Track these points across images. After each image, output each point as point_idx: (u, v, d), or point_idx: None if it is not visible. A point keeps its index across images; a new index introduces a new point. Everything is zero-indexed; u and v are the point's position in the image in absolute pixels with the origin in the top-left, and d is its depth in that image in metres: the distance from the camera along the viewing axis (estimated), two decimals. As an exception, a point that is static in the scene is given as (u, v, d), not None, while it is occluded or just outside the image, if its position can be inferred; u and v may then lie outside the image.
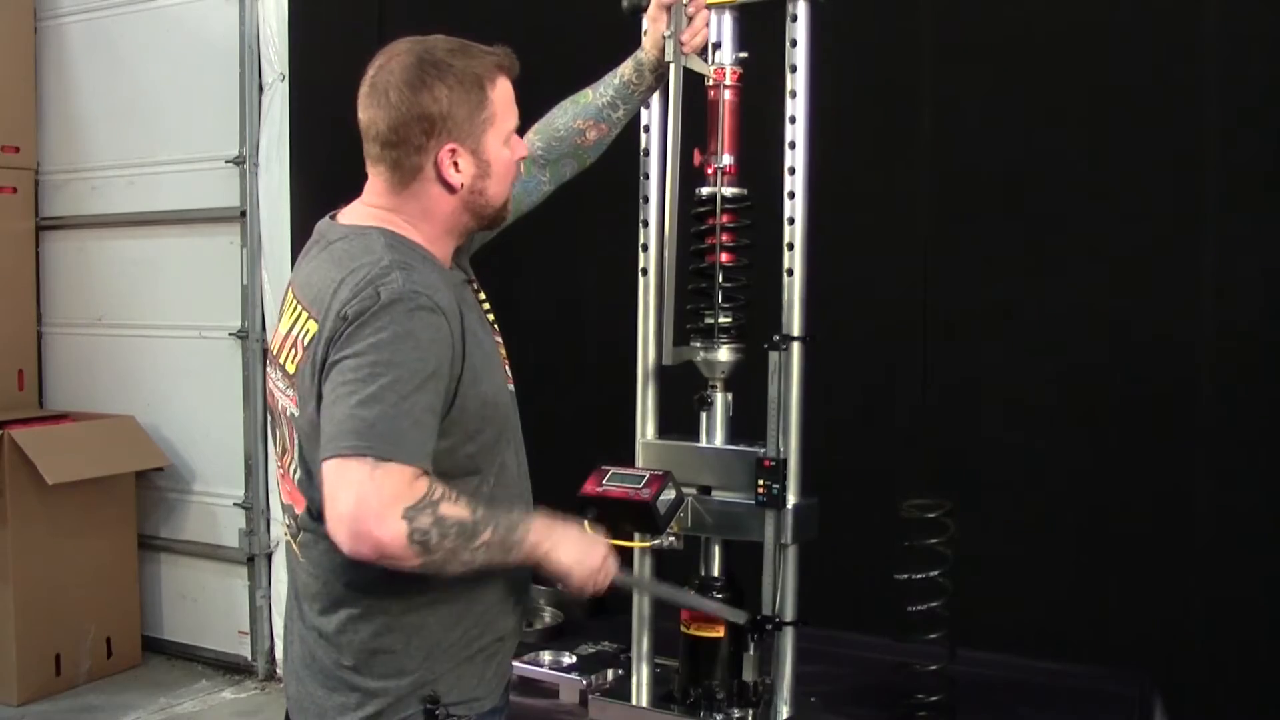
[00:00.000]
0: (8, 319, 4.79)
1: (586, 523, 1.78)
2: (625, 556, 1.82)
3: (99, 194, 4.83)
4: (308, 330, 1.59)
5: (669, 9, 1.96)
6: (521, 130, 1.99)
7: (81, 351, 4.94)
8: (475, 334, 1.63)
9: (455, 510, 1.51)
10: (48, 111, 4.93)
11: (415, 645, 1.62)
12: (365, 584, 1.59)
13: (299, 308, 1.64)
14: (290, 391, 1.62)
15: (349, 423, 1.46)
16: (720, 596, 2.08)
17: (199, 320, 4.57)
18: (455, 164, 1.63)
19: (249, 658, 4.51)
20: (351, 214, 1.70)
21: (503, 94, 1.67)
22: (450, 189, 1.65)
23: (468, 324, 1.61)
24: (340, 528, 1.46)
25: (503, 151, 1.68)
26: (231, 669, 4.56)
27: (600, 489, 1.94)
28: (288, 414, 1.64)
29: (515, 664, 2.24)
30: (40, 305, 4.99)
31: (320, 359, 1.55)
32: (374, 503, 1.44)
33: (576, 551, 1.66)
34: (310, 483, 1.61)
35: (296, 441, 1.63)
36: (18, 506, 4.15)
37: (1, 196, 4.76)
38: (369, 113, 1.64)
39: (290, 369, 1.62)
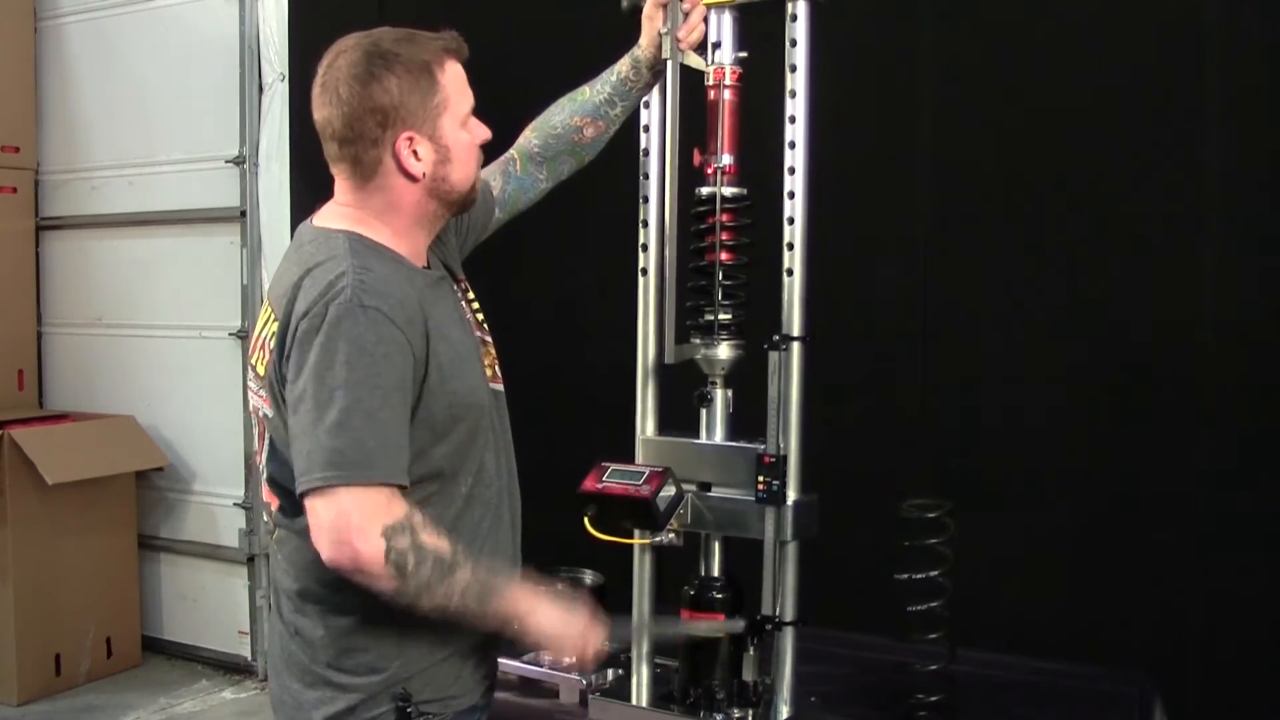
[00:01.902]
0: (8, 319, 4.79)
1: (587, 519, 1.77)
2: (625, 553, 1.82)
3: (99, 194, 4.83)
4: (272, 331, 1.61)
5: (665, 6, 1.96)
6: (518, 128, 2.00)
7: (81, 351, 4.94)
8: (445, 333, 1.62)
9: (435, 541, 1.53)
10: (48, 111, 4.93)
11: (387, 643, 1.62)
12: (336, 581, 1.59)
13: (268, 308, 1.66)
14: (262, 392, 1.64)
15: (320, 454, 1.49)
16: (719, 597, 2.08)
17: (199, 320, 4.57)
18: (414, 152, 1.62)
19: (249, 658, 4.51)
20: (324, 215, 1.70)
21: (453, 77, 1.65)
22: (412, 179, 1.64)
23: (434, 324, 1.60)
24: (322, 537, 1.50)
25: (461, 135, 1.66)
26: (231, 669, 4.56)
27: (600, 485, 1.95)
28: (260, 414, 1.66)
29: (516, 664, 2.24)
30: (40, 305, 4.99)
31: (276, 363, 1.57)
32: (355, 518, 1.48)
33: (556, 620, 1.66)
34: (281, 482, 1.63)
35: (268, 439, 1.65)
36: (18, 506, 4.15)
37: (1, 196, 4.76)
38: (323, 112, 1.63)
39: (260, 370, 1.64)
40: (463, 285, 1.81)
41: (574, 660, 1.71)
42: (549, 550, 1.85)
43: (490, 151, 1.91)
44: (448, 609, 1.55)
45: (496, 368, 1.78)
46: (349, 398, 1.49)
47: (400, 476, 1.52)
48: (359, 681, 1.62)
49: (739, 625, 2.02)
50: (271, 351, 1.60)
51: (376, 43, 1.62)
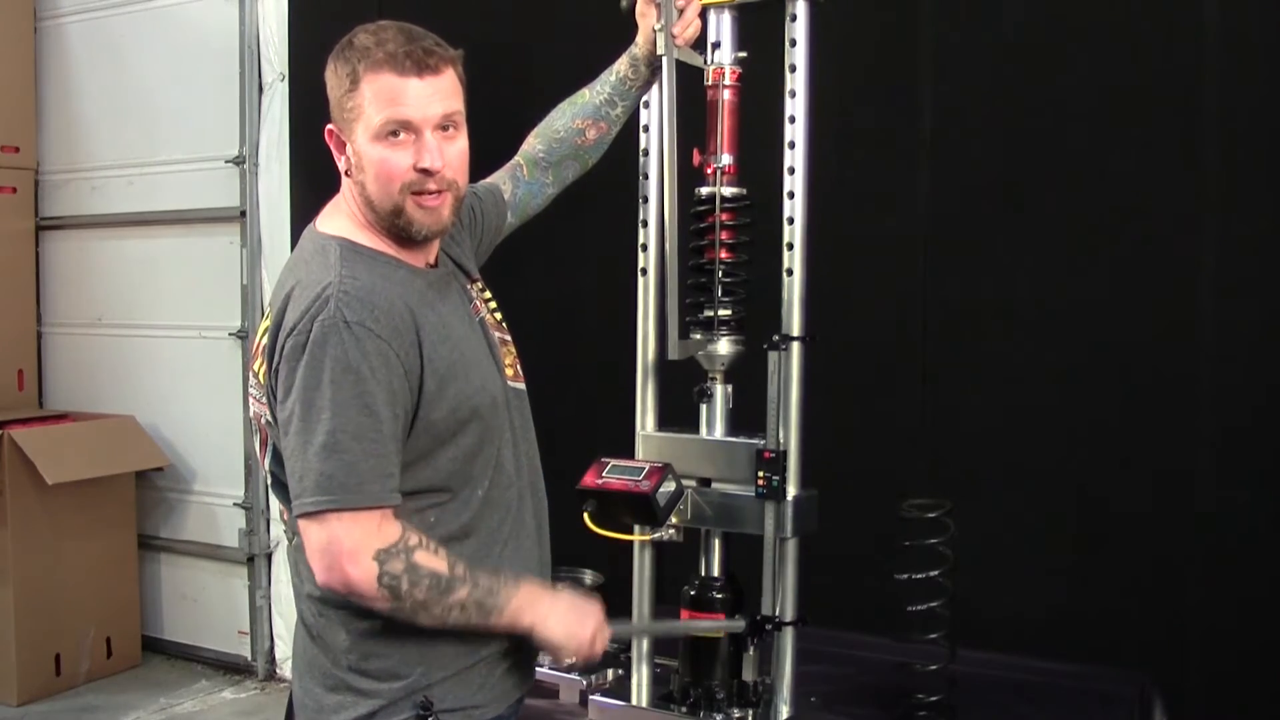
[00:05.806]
0: (8, 319, 4.79)
1: (587, 514, 1.76)
2: (625, 550, 1.82)
3: (99, 194, 4.83)
4: (268, 336, 1.61)
5: (658, 4, 1.95)
6: (521, 135, 1.99)
7: (81, 351, 4.94)
8: (446, 335, 1.60)
9: (430, 561, 1.53)
10: (48, 111, 4.93)
11: (408, 650, 1.61)
12: None
13: (269, 315, 1.64)
14: (264, 398, 1.63)
15: (310, 478, 1.49)
16: (719, 597, 2.07)
17: (199, 320, 4.57)
18: (341, 145, 1.62)
19: (249, 658, 4.51)
20: (326, 212, 1.69)
21: (381, 90, 1.55)
22: (346, 171, 1.64)
23: (429, 329, 1.57)
24: (315, 561, 1.52)
25: (371, 149, 1.57)
26: (231, 669, 4.56)
27: (600, 481, 1.94)
28: (263, 420, 1.65)
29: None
30: (40, 305, 4.99)
31: (268, 371, 1.57)
32: (346, 543, 1.49)
33: (567, 624, 1.66)
34: (284, 488, 1.61)
35: (270, 445, 1.63)
36: (18, 506, 4.15)
37: (1, 196, 4.76)
38: None
39: (262, 378, 1.63)
40: (478, 285, 1.80)
41: (577, 661, 1.70)
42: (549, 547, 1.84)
43: (496, 158, 1.91)
44: (445, 624, 1.56)
45: (518, 366, 1.77)
46: (336, 419, 1.48)
47: (391, 498, 1.52)
48: (380, 687, 1.61)
49: (740, 625, 2.02)
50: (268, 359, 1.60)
51: (358, 32, 1.61)
